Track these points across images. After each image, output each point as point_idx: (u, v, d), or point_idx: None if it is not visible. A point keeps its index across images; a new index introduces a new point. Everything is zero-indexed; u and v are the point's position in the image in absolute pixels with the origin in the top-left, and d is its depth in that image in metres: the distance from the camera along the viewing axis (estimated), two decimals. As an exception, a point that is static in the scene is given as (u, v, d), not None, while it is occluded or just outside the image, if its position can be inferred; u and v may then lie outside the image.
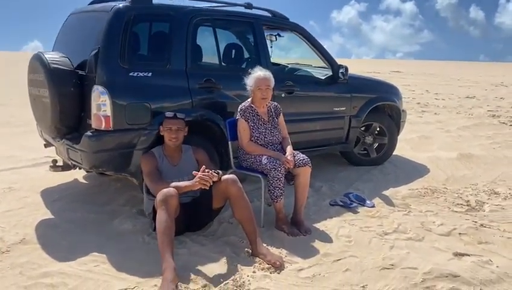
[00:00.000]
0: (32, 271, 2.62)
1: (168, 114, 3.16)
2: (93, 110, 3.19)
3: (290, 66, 5.07)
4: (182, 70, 3.49)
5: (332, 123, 4.60)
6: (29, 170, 4.68)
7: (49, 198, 3.86)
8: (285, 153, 3.35)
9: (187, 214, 3.08)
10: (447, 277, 2.66)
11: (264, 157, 3.26)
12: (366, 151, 5.14)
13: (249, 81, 3.41)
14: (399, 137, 5.33)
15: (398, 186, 4.41)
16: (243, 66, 4.06)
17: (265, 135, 3.40)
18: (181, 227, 3.08)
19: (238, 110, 3.43)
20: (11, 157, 5.17)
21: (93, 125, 3.21)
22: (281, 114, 3.58)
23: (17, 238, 3.03)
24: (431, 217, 3.61)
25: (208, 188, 2.83)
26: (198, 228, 3.23)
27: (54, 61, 3.26)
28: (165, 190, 2.77)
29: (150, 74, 3.32)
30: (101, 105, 3.15)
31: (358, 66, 24.84)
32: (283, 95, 4.08)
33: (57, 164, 3.82)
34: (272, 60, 4.41)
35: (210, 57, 3.85)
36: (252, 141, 3.39)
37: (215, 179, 2.84)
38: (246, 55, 4.16)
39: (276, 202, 3.22)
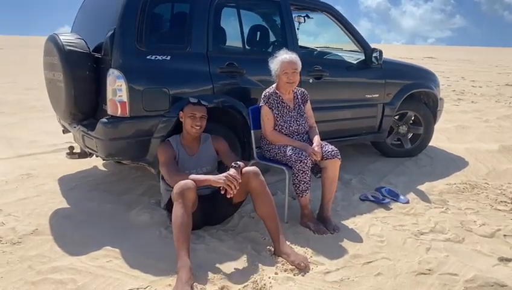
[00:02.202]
0: (41, 265, 2.48)
1: (192, 99, 2.94)
2: (109, 96, 3.01)
3: (319, 49, 4.76)
4: (202, 54, 3.26)
5: (364, 111, 4.30)
6: (49, 156, 4.59)
7: (66, 186, 3.74)
8: (312, 143, 3.09)
9: (206, 207, 2.89)
10: (492, 286, 2.38)
11: (289, 148, 3.01)
12: (399, 142, 4.81)
13: (274, 64, 3.15)
14: (434, 127, 4.97)
15: (434, 180, 4.09)
16: (268, 49, 3.80)
17: (290, 123, 3.15)
18: (199, 221, 2.89)
19: (262, 96, 3.19)
20: (32, 143, 5.10)
21: (109, 112, 3.03)
22: (308, 101, 3.31)
23: (30, 228, 2.90)
24: (471, 216, 3.30)
25: (231, 192, 2.60)
26: (217, 222, 3.03)
27: (69, 43, 3.09)
28: (182, 182, 2.57)
29: (168, 57, 3.11)
30: (117, 90, 2.97)
31: (389, 51, 24.04)
32: (311, 81, 3.81)
33: (74, 151, 3.69)
34: (300, 43, 4.14)
35: (233, 40, 3.60)
36: (276, 130, 3.15)
37: (237, 187, 2.61)
38: (272, 37, 3.88)
39: (302, 197, 2.98)
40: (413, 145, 4.80)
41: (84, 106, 3.16)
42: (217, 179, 2.60)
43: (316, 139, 3.13)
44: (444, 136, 5.98)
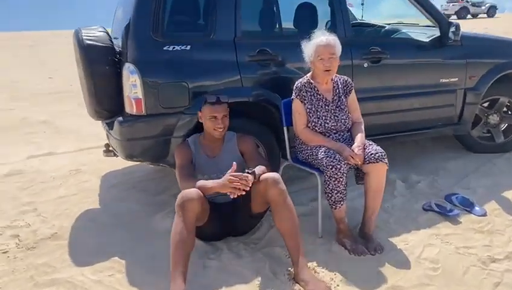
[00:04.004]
0: (43, 276, 2.35)
1: (210, 98, 2.55)
2: (125, 92, 2.78)
3: (385, 27, 4.07)
4: (229, 41, 2.87)
5: (438, 99, 3.56)
6: (101, 151, 4.59)
7: (106, 184, 3.66)
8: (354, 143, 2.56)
9: (226, 216, 2.54)
10: None
11: (322, 149, 2.51)
12: (489, 134, 3.96)
13: (308, 49, 2.65)
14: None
15: (529, 185, 3.26)
16: (311, 30, 3.25)
17: (326, 119, 2.63)
18: (218, 231, 2.59)
19: (294, 87, 2.71)
20: (95, 136, 5.17)
21: (126, 110, 2.81)
22: (353, 92, 2.75)
23: (50, 231, 2.82)
24: None
25: (240, 194, 2.22)
26: (240, 233, 2.67)
27: (89, 37, 2.91)
28: (184, 192, 2.24)
29: (188, 47, 2.78)
30: (132, 86, 2.73)
31: None
32: (365, 65, 3.22)
33: (110, 148, 3.57)
34: (364, 20, 3.54)
35: (266, 22, 3.16)
36: (309, 127, 2.66)
37: (248, 184, 2.22)
38: (316, 16, 3.32)
39: (335, 209, 2.48)
40: (507, 138, 3.92)
41: (106, 102, 2.98)
42: (221, 183, 2.22)
43: (359, 138, 2.58)
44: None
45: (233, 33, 2.89)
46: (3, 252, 2.61)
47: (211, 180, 2.32)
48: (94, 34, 2.96)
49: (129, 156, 2.88)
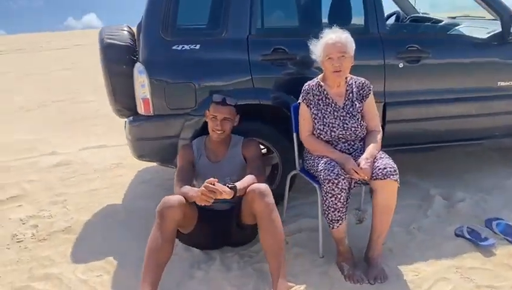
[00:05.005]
0: (40, 269, 2.43)
1: (216, 98, 2.48)
2: (136, 92, 2.77)
3: (435, 21, 3.59)
4: (241, 39, 2.71)
5: (496, 105, 3.05)
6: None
7: (138, 179, 3.73)
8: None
9: (217, 226, 2.42)
10: None
11: (323, 161, 2.25)
12: None
13: (317, 48, 2.40)
14: None
15: None
16: (332, 26, 2.94)
17: (333, 127, 2.36)
18: (209, 241, 2.47)
19: (302, 89, 2.48)
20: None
21: (138, 110, 2.81)
22: (370, 96, 2.44)
23: (65, 225, 2.92)
24: None
25: (208, 204, 2.09)
26: (238, 243, 2.53)
27: (110, 36, 2.94)
28: (166, 198, 2.17)
29: (197, 46, 2.67)
30: (141, 86, 2.70)
31: None
32: (401, 65, 2.85)
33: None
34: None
35: (284, 18, 2.93)
36: (314, 134, 2.42)
37: (224, 196, 2.07)
38: (341, 10, 2.99)
39: (332, 228, 2.22)
40: None
41: (125, 101, 2.99)
42: (196, 193, 2.10)
43: (369, 149, 2.28)
44: None
45: (248, 30, 2.73)
46: (18, 241, 2.76)
47: (194, 189, 2.22)
48: (116, 33, 2.98)
49: (140, 156, 2.88)
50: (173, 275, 2.28)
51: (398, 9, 4.19)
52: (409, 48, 2.86)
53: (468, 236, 2.42)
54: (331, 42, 2.31)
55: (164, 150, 2.80)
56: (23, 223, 2.99)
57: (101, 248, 2.63)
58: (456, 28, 3.30)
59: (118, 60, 2.89)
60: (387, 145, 2.93)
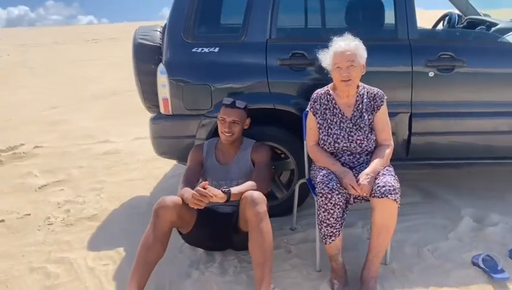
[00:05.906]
0: (58, 253, 2.64)
1: (226, 100, 2.52)
2: (158, 92, 2.88)
3: (490, 24, 3.24)
4: (260, 43, 2.69)
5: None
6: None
7: (172, 172, 3.88)
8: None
9: (218, 228, 2.46)
10: None
11: (322, 173, 2.18)
12: None
13: (326, 57, 2.31)
14: None
15: None
16: (363, 31, 2.79)
17: (337, 138, 2.26)
18: (210, 242, 2.52)
19: (311, 97, 2.41)
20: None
21: (159, 108, 2.92)
22: (383, 108, 2.30)
23: (93, 212, 3.14)
24: None
25: (200, 207, 2.13)
26: (241, 248, 2.53)
27: (142, 36, 3.07)
28: (163, 198, 2.25)
29: (216, 49, 2.71)
30: (162, 86, 2.80)
31: None
32: (431, 74, 2.64)
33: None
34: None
35: (307, 22, 2.83)
36: (320, 145, 2.34)
37: (216, 200, 2.10)
38: (367, 14, 2.82)
39: (325, 243, 2.14)
40: None
41: (153, 99, 3.12)
42: (189, 195, 2.14)
43: (373, 164, 2.16)
44: None
45: (268, 34, 2.70)
46: (48, 224, 3.02)
47: (190, 191, 2.26)
48: (149, 33, 3.11)
49: (161, 153, 2.99)
50: (171, 272, 2.37)
51: (453, 10, 3.86)
52: (442, 56, 2.64)
53: (482, 265, 2.21)
54: (340, 50, 2.21)
55: (182, 149, 2.87)
56: (59, 207, 3.26)
57: (115, 237, 2.79)
58: (498, 32, 2.97)
59: (147, 59, 3.00)
60: (412, 159, 2.78)
